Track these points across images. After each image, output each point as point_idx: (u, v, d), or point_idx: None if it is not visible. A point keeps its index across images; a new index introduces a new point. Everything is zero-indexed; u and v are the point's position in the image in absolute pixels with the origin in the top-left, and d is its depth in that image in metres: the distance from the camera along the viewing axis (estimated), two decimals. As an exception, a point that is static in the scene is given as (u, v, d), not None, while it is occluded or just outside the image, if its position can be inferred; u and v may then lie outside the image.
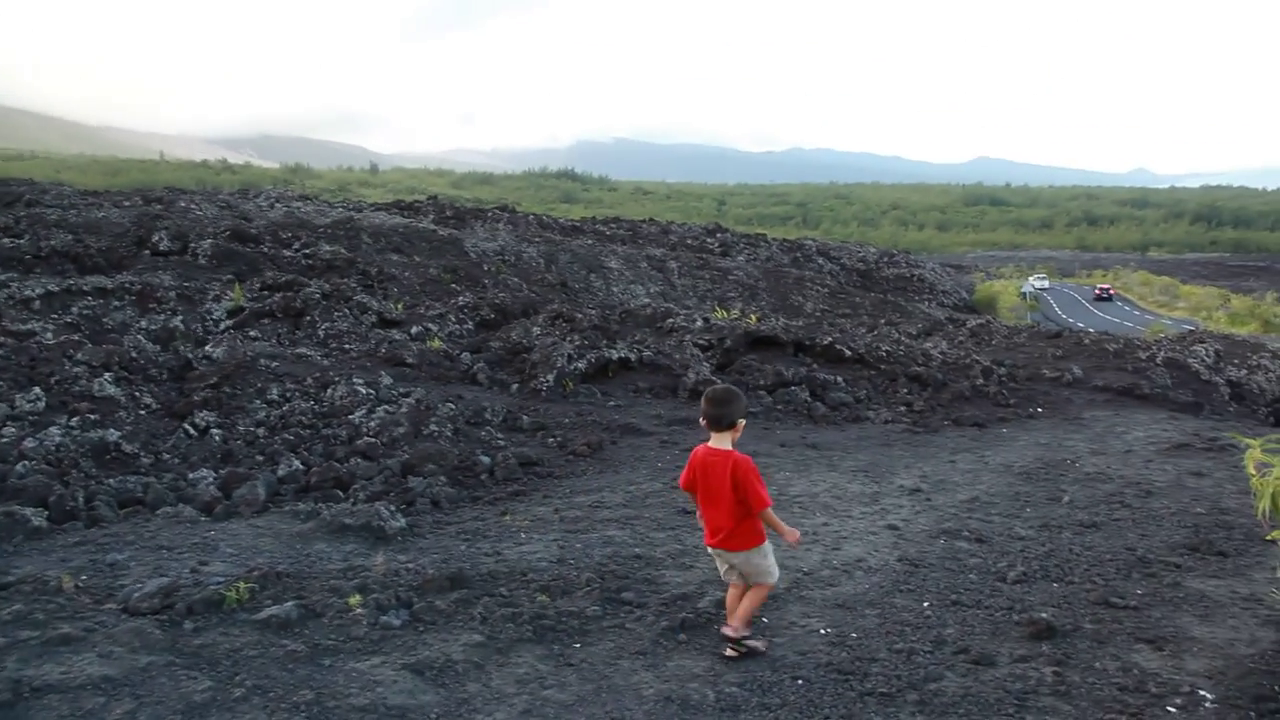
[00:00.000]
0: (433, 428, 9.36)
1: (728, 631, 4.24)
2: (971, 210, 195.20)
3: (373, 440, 8.82)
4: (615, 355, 12.69)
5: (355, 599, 4.58)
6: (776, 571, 4.34)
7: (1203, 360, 15.81)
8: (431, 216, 32.26)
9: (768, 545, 4.26)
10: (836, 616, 4.75)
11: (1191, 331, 21.81)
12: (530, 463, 8.79)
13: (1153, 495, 7.53)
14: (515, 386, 11.89)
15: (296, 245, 19.51)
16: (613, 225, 44.31)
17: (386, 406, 9.82)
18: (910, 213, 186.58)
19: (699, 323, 14.40)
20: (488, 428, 9.91)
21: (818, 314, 27.85)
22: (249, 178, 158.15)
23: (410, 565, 5.29)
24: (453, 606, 4.65)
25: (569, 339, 13.14)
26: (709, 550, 4.38)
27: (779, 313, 26.39)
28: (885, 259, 49.52)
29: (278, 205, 28.29)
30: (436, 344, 13.43)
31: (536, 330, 13.90)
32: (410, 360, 12.27)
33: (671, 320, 14.69)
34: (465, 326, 15.35)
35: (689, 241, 41.72)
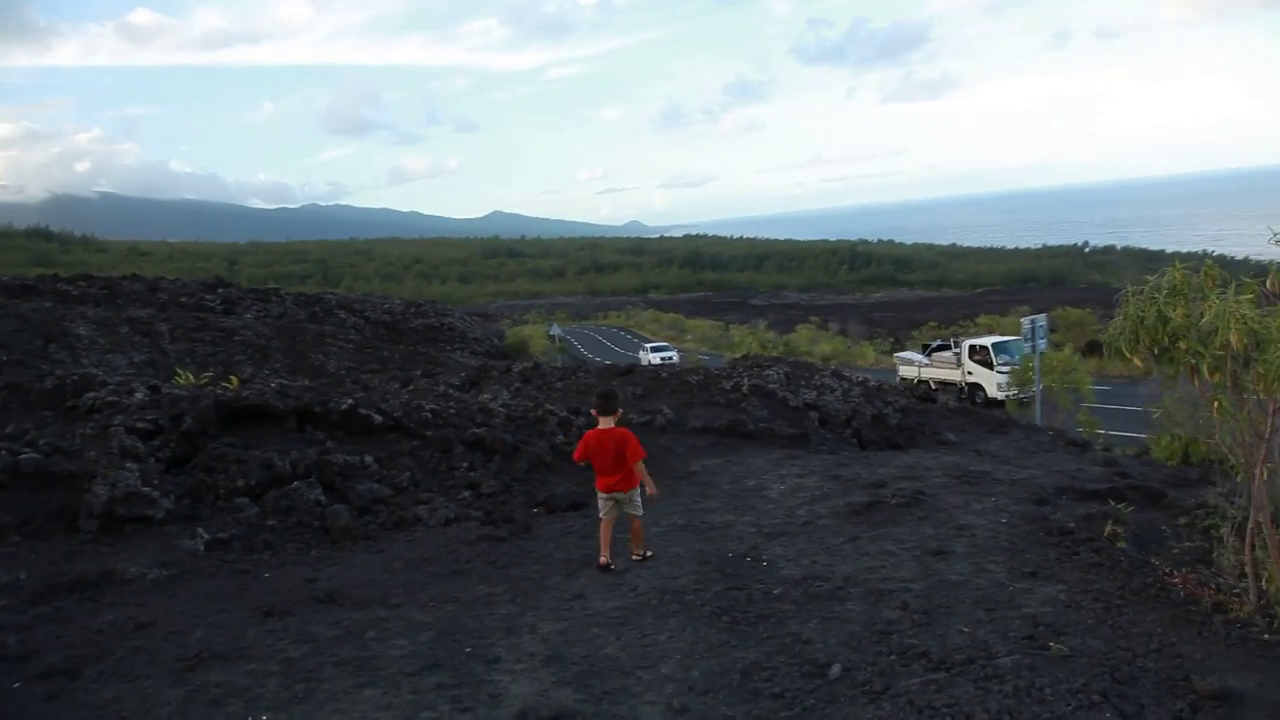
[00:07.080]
0: None
1: (635, 557, 6.29)
2: (491, 262, 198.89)
3: None
4: (-40, 467, 7.07)
5: None
6: (642, 508, 6.35)
7: (781, 385, 14.12)
8: None
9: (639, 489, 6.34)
10: None
11: (747, 355, 20.87)
12: None
13: (934, 619, 4.34)
14: None
15: None
16: (82, 284, 34.88)
17: None
18: (432, 266, 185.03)
19: (139, 394, 9.09)
20: None
21: (343, 371, 23.15)
22: None
23: None
24: None
25: None
26: (600, 494, 6.26)
27: (298, 374, 21.26)
28: (413, 310, 45.80)
29: None
30: None
31: None
32: None
33: (93, 395, 9.18)
34: None
35: (183, 299, 34.12)
